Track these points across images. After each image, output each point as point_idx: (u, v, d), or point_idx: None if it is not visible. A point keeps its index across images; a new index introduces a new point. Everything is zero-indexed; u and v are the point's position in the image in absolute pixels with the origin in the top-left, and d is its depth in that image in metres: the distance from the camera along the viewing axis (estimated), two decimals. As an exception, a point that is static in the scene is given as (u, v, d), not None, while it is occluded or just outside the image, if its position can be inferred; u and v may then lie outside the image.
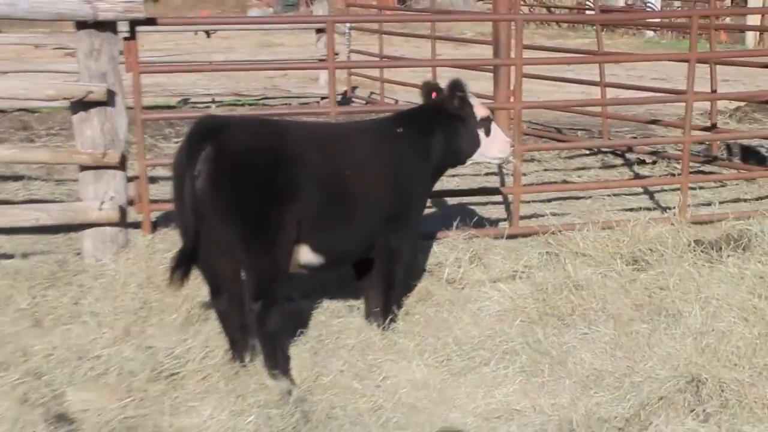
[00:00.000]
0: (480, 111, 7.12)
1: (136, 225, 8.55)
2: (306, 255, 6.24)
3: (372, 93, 18.69)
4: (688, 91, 9.48)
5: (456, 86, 6.96)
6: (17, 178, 11.62)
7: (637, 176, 12.45)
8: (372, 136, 6.84)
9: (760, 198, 11.06)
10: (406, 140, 6.83)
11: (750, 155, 12.84)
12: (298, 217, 5.97)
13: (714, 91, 12.22)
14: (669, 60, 13.05)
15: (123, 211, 7.99)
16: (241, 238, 5.84)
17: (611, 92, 13.62)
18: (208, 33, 17.85)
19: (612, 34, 33.63)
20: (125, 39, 7.99)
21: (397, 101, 17.05)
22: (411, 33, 18.52)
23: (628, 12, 25.93)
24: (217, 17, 21.39)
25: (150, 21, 7.80)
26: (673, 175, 12.33)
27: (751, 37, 33.35)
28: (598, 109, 13.99)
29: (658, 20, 22.21)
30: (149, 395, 5.87)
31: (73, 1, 7.30)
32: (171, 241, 7.92)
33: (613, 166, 13.05)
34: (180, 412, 5.61)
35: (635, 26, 30.81)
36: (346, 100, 18.47)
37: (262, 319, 5.95)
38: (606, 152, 13.59)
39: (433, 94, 7.13)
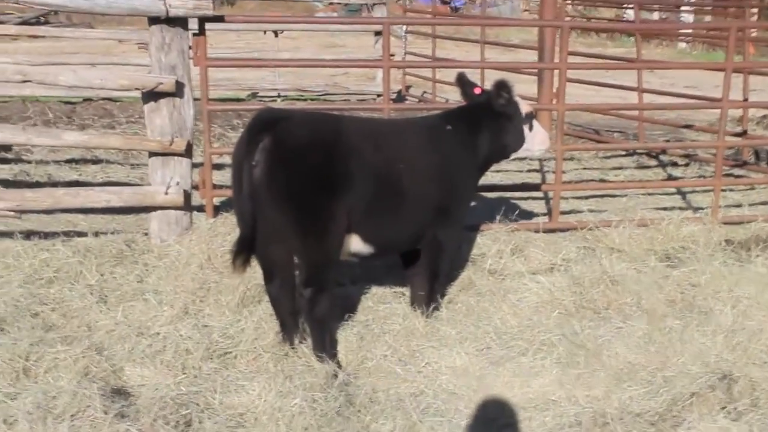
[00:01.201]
0: (524, 108, 6.74)
1: (200, 209, 8.26)
2: (356, 244, 5.90)
3: (424, 92, 18.26)
4: (723, 99, 8.99)
5: (501, 86, 6.57)
6: (96, 161, 11.44)
7: (671, 177, 11.94)
8: (423, 132, 6.46)
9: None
10: (454, 136, 6.46)
11: (775, 159, 12.36)
12: (350, 207, 5.63)
13: (746, 100, 11.69)
14: (706, 69, 12.48)
15: (188, 196, 7.70)
16: (294, 226, 5.51)
17: (647, 98, 13.09)
18: (276, 33, 17.53)
19: (647, 45, 32.93)
20: (194, 35, 7.69)
21: (447, 100, 16.68)
22: (462, 38, 18.12)
23: (666, 23, 25.32)
24: (283, 17, 21.04)
25: (218, 18, 7.51)
26: (705, 177, 11.86)
27: (775, 50, 32.44)
28: (635, 112, 13.47)
29: (691, 31, 21.36)
30: (202, 373, 5.58)
31: (148, -2, 7.03)
32: (231, 225, 7.59)
33: (648, 167, 12.55)
34: (230, 391, 5.30)
35: (669, 38, 29.98)
36: (400, 98, 18.15)
37: (312, 305, 5.62)
38: (641, 154, 13.06)
39: (476, 90, 6.73)
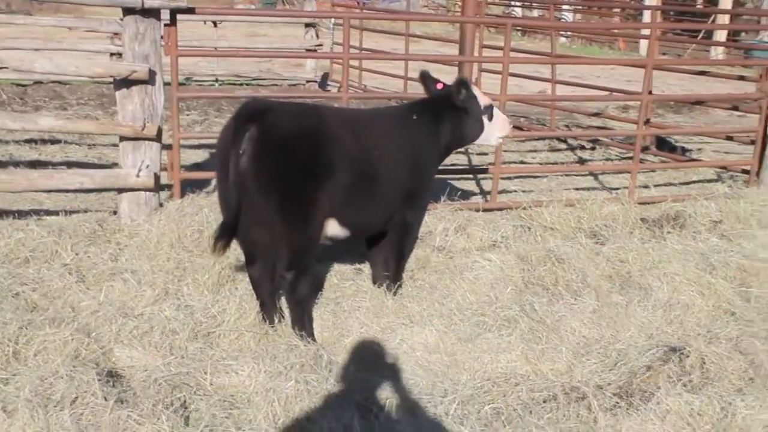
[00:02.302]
0: (483, 100, 6.35)
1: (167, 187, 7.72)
2: (333, 228, 5.46)
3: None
4: (643, 92, 8.81)
5: (461, 83, 6.19)
6: (54, 141, 10.68)
7: (581, 160, 11.78)
8: (393, 121, 6.05)
9: (687, 183, 10.48)
10: (420, 125, 6.05)
11: (663, 144, 12.31)
12: (331, 194, 5.19)
13: (650, 92, 11.57)
14: (627, 65, 12.28)
15: (157, 178, 7.12)
16: (279, 212, 5.04)
17: (561, 89, 12.91)
18: (215, 23, 16.79)
19: (531, 38, 33.00)
20: (166, 25, 7.08)
21: (365, 86, 16.32)
22: (388, 30, 17.68)
23: (587, 24, 25.33)
24: (245, 11, 20.39)
25: (189, 10, 6.90)
26: (610, 159, 11.76)
27: (644, 45, 32.91)
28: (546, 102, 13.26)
29: (612, 29, 21.26)
30: (189, 353, 5.10)
31: (125, -11, 6.41)
32: (198, 205, 7.10)
33: (559, 150, 12.38)
34: (219, 371, 4.81)
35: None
36: (324, 83, 17.72)
37: (293, 287, 5.19)
38: (552, 138, 12.85)
39: (438, 85, 6.33)
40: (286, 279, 5.18)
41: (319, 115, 5.37)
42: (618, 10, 35.05)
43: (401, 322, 5.69)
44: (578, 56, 17.93)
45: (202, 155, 10.52)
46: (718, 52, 27.23)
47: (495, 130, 6.47)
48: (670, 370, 5.12)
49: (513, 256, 6.81)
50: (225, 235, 5.01)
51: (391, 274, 6.15)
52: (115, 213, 7.31)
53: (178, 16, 7.11)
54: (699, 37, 24.24)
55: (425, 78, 6.35)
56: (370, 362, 5.11)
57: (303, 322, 5.30)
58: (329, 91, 17.47)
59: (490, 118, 6.37)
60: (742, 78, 11.55)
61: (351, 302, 6.01)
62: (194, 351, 5.12)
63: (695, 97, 13.69)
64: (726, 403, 4.70)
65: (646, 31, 15.14)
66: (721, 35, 28.07)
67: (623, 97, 12.28)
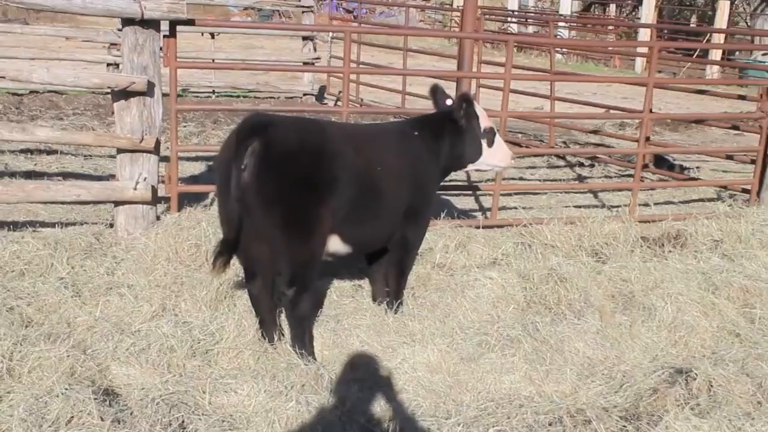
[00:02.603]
0: (484, 122, 6.22)
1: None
2: (336, 244, 5.35)
3: (340, 91, 17.65)
4: (644, 111, 8.72)
5: (463, 99, 6.07)
6: (51, 152, 10.53)
7: (580, 177, 11.68)
8: (395, 137, 5.93)
9: (687, 201, 10.39)
10: (422, 141, 5.94)
11: (662, 162, 12.21)
12: (334, 210, 5.08)
13: (651, 111, 11.50)
14: (629, 83, 12.20)
15: (155, 191, 7.00)
16: (281, 229, 4.93)
17: (559, 106, 12.83)
18: (212, 35, 16.71)
19: (527, 54, 33.02)
20: (165, 36, 6.96)
21: (362, 100, 16.23)
22: (384, 45, 17.60)
23: (587, 42, 25.34)
24: (245, 23, 20.26)
25: (189, 21, 6.78)
26: (609, 177, 11.67)
27: (639, 63, 32.98)
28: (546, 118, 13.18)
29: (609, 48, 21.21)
30: (187, 371, 4.97)
31: (123, 0, 6.28)
32: (195, 219, 6.98)
33: (558, 167, 12.29)
34: (218, 390, 4.69)
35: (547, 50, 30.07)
36: (321, 96, 17.62)
37: (294, 304, 5.08)
38: (551, 155, 12.75)
39: (448, 101, 6.23)
40: (287, 296, 5.06)
41: (321, 130, 5.27)
42: (612, 27, 35.24)
43: (402, 341, 5.57)
44: (579, 73, 17.90)
45: (199, 167, 10.40)
46: (713, 71, 27.25)
47: (494, 158, 6.31)
48: (676, 393, 5.03)
49: (514, 274, 6.71)
50: (225, 251, 4.93)
51: (391, 291, 6.05)
52: (111, 226, 7.18)
53: (178, 28, 7.01)
54: (695, 56, 24.15)
55: (436, 92, 6.24)
56: (371, 382, 4.99)
57: (303, 341, 5.17)
58: (326, 104, 17.38)
59: (490, 144, 6.21)
60: (742, 97, 11.46)
61: (351, 320, 5.90)
62: (192, 369, 4.99)
63: (696, 116, 13.63)
64: (735, 428, 4.60)
65: (643, 49, 15.12)
66: (716, 54, 28.10)
67: (625, 114, 12.20)
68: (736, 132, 12.96)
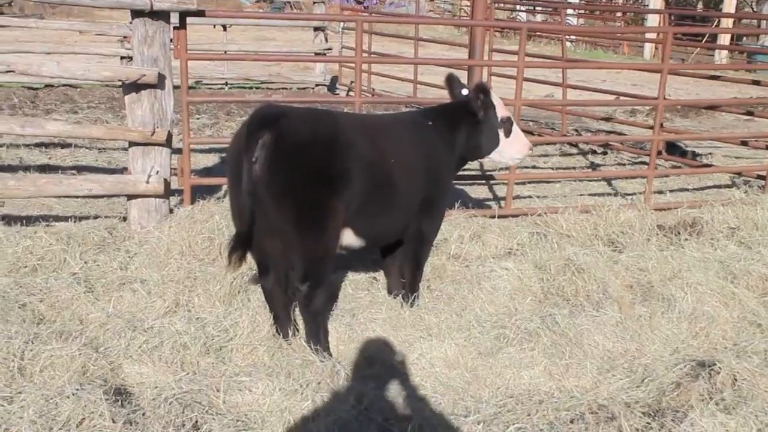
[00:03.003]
0: (501, 112, 6.00)
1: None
2: (349, 238, 5.15)
3: (351, 81, 17.40)
4: (659, 97, 8.47)
5: (480, 88, 5.85)
6: (65, 145, 10.39)
7: (593, 165, 11.44)
8: (409, 127, 5.71)
9: (701, 188, 10.15)
10: (437, 132, 5.73)
11: (674, 149, 11.97)
12: (348, 202, 4.88)
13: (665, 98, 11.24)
14: (643, 70, 11.89)
15: (168, 184, 6.82)
16: (294, 222, 4.72)
17: (570, 94, 12.56)
18: (224, 27, 16.50)
19: (535, 43, 32.68)
20: (175, 28, 6.77)
21: (374, 90, 16.02)
22: (395, 34, 17.33)
23: (599, 29, 24.98)
24: (256, 14, 19.96)
25: (199, 12, 6.56)
26: (622, 164, 11.42)
27: (648, 49, 32.62)
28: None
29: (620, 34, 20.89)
30: (200, 369, 4.80)
31: (133, -8, 6.09)
32: (209, 212, 6.79)
33: (570, 155, 12.05)
34: (231, 388, 4.51)
35: (557, 37, 29.70)
36: (333, 87, 17.40)
37: (308, 300, 4.88)
38: (563, 143, 12.49)
39: (464, 90, 6.01)
40: (301, 291, 4.87)
41: (334, 121, 5.05)
42: (620, 14, 34.84)
43: (419, 335, 5.38)
44: (593, 60, 17.60)
45: (212, 159, 10.24)
46: (722, 57, 26.90)
47: (511, 149, 6.08)
48: (700, 388, 4.81)
49: (531, 265, 6.51)
50: (239, 246, 4.73)
51: (407, 284, 5.86)
52: (125, 219, 7.01)
53: (188, 20, 6.80)
54: (703, 41, 23.78)
55: (452, 81, 6.02)
56: (388, 378, 4.79)
57: (318, 336, 4.99)
58: (338, 94, 17.17)
59: (507, 134, 5.99)
60: (756, 83, 11.18)
61: (367, 314, 5.70)
62: (206, 366, 4.81)
63: (710, 102, 13.31)
64: (763, 425, 4.39)
65: (653, 35, 14.80)
66: (724, 39, 27.71)
67: (639, 101, 11.93)
68: (747, 118, 12.65)
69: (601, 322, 5.61)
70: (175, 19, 6.69)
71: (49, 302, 5.44)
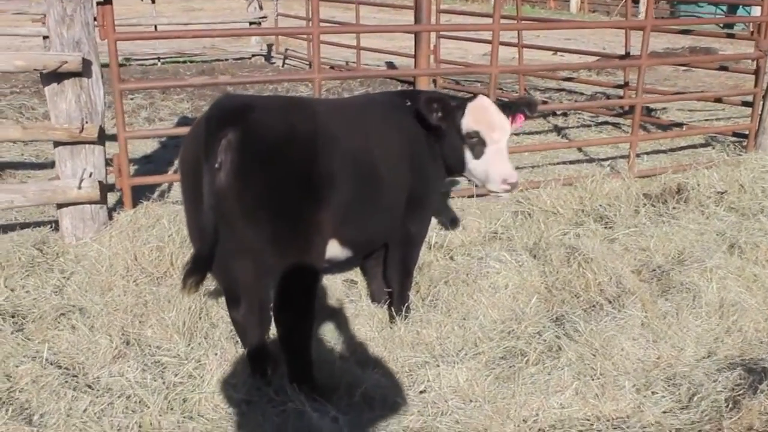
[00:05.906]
0: (470, 125, 4.43)
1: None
2: (334, 249, 4.04)
3: (287, 49, 16.11)
4: (642, 57, 7.50)
5: (435, 98, 4.45)
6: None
7: (557, 128, 10.44)
8: (387, 110, 4.50)
9: (675, 149, 9.28)
10: (414, 118, 4.55)
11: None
12: (334, 210, 3.78)
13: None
14: (624, 28, 10.86)
15: (104, 188, 5.62)
16: (271, 241, 3.59)
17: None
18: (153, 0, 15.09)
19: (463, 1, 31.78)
20: (99, 4, 5.49)
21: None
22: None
23: None
24: None
25: (128, -17, 5.33)
26: (588, 126, 10.49)
27: (574, 3, 31.96)
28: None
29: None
30: (164, 432, 3.67)
31: (44, -38, 4.82)
32: (155, 216, 5.65)
33: (531, 118, 11.00)
34: (206, 459, 3.43)
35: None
36: (268, 56, 16.15)
37: (290, 332, 3.78)
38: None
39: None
40: (281, 323, 3.78)
41: (311, 111, 3.89)
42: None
43: (422, 359, 4.34)
44: (570, 20, 16.59)
45: (151, 145, 8.99)
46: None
47: (482, 174, 4.47)
48: (761, 406, 3.89)
49: (527, 255, 5.52)
50: (198, 269, 3.52)
51: (395, 294, 4.77)
52: (57, 230, 5.79)
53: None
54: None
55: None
56: (397, 424, 3.75)
57: (304, 376, 3.89)
58: (273, 63, 15.89)
59: (477, 155, 4.45)
60: (731, 36, 10.32)
61: (355, 329, 4.64)
62: (170, 427, 3.69)
63: (691, 60, 12.48)
64: None
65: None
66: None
67: (622, 63, 10.95)
68: (726, 75, 11.85)
69: (625, 324, 4.65)
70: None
71: (-35, 353, 4.24)
